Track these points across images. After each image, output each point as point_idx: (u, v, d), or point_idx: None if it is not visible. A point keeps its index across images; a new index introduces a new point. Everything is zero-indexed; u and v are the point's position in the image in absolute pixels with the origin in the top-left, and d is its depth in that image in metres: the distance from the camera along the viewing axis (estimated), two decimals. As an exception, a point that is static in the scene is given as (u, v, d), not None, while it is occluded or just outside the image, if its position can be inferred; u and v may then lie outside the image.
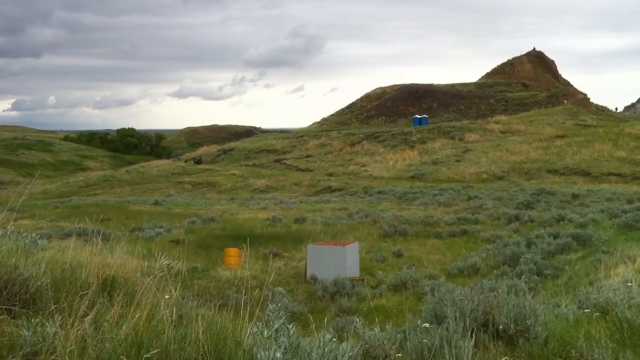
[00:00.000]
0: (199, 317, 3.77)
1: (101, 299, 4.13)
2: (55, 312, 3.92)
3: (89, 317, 3.72)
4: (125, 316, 3.75)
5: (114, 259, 5.09)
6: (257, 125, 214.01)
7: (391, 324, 5.91)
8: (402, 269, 18.89)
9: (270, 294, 15.25)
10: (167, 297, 4.10)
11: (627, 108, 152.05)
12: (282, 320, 3.78)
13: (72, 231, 18.35)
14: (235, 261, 20.03)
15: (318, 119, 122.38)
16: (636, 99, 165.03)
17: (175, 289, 4.40)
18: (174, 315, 3.85)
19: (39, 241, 5.75)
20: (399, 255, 22.18)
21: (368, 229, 27.27)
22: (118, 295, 4.13)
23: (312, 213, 34.26)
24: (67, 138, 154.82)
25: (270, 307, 3.94)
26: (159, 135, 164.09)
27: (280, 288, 17.12)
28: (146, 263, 5.73)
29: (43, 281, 4.32)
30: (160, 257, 4.85)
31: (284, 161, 77.58)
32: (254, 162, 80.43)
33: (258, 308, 4.43)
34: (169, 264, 4.81)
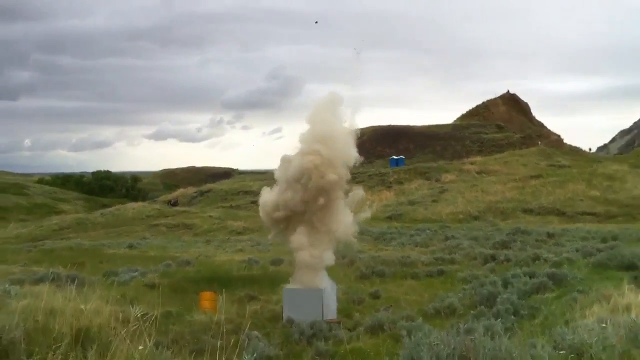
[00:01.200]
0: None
1: (74, 352, 4.07)
2: (28, 365, 3.86)
3: (62, 370, 3.67)
4: (98, 369, 3.70)
5: (88, 306, 5.03)
6: (235, 167, 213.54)
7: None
8: (379, 311, 18.82)
9: (247, 339, 15.09)
10: (141, 347, 4.05)
11: (600, 149, 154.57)
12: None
13: (45, 276, 18.11)
14: (211, 305, 19.81)
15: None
16: (609, 139, 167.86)
17: (150, 337, 4.35)
18: (147, 366, 3.81)
19: (11, 290, 5.67)
20: (376, 296, 22.10)
21: (345, 270, 27.18)
22: (92, 348, 4.07)
23: (289, 255, 34.05)
24: (41, 181, 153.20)
25: (247, 357, 3.92)
26: (135, 177, 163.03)
27: (256, 332, 16.93)
28: (121, 310, 5.67)
29: (16, 334, 4.24)
30: (135, 305, 4.82)
31: (261, 202, 77.30)
32: (231, 204, 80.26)
33: (235, 354, 4.40)
34: (143, 314, 4.76)
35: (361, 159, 20.89)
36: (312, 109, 21.12)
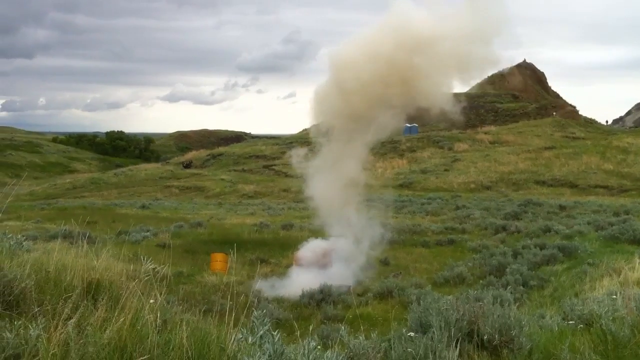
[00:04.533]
0: (184, 323, 3.76)
1: (85, 302, 4.10)
2: (39, 315, 3.90)
3: (73, 320, 3.70)
4: (109, 320, 3.73)
5: (99, 262, 5.06)
6: (247, 131, 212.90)
7: (376, 332, 5.90)
8: (388, 277, 18.89)
9: (256, 300, 15.20)
10: (151, 301, 4.08)
11: (615, 121, 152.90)
12: (266, 327, 3.78)
13: (58, 233, 18.23)
14: (222, 266, 19.96)
15: (308, 126, 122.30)
16: (625, 111, 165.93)
17: (161, 294, 4.38)
18: (158, 320, 3.83)
19: (24, 243, 5.71)
20: (385, 263, 22.17)
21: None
22: (102, 299, 4.10)
23: (300, 219, 34.22)
24: (55, 140, 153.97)
25: (256, 313, 3.93)
26: (148, 139, 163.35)
27: (266, 294, 17.08)
28: (132, 267, 5.70)
29: (27, 283, 4.29)
30: (146, 261, 4.83)
31: (273, 167, 77.46)
32: (243, 168, 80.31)
33: (243, 314, 4.42)
34: (154, 268, 4.79)
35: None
36: None
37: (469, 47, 17.75)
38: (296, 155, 22.36)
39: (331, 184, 19.98)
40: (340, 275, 19.24)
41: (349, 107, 18.76)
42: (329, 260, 20.18)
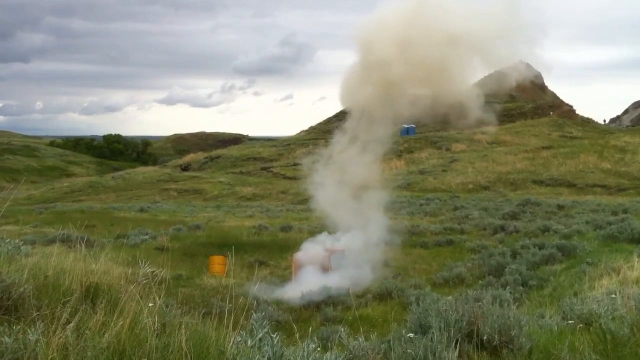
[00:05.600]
0: (182, 326, 3.75)
1: (84, 306, 4.10)
2: (38, 319, 3.89)
3: (71, 324, 3.69)
4: (107, 324, 3.72)
5: (98, 266, 5.05)
6: (245, 133, 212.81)
7: (376, 333, 5.89)
8: (387, 279, 18.86)
9: (255, 303, 15.18)
10: (150, 305, 4.07)
11: (612, 120, 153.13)
12: (265, 330, 3.77)
13: (56, 237, 18.21)
14: (221, 269, 19.93)
15: (306, 127, 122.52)
16: (621, 111, 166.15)
17: (159, 297, 4.37)
18: (157, 323, 3.83)
19: (22, 247, 5.70)
20: (384, 264, 22.12)
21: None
22: (101, 303, 4.10)
23: (299, 221, 34.20)
24: (52, 143, 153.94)
25: (255, 316, 3.92)
26: (146, 142, 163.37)
27: (265, 297, 17.04)
28: (130, 270, 5.69)
29: (26, 288, 4.28)
30: (145, 264, 4.82)
31: (271, 169, 77.47)
32: (241, 170, 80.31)
33: (243, 317, 4.41)
34: (153, 272, 4.78)
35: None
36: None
37: (499, 46, 17.56)
38: (310, 154, 22.31)
39: (344, 184, 20.02)
40: (340, 276, 19.22)
41: (377, 95, 18.60)
42: (329, 261, 20.16)
